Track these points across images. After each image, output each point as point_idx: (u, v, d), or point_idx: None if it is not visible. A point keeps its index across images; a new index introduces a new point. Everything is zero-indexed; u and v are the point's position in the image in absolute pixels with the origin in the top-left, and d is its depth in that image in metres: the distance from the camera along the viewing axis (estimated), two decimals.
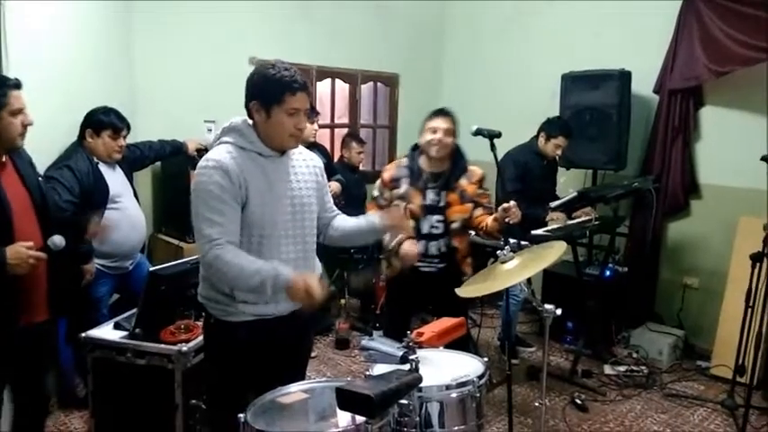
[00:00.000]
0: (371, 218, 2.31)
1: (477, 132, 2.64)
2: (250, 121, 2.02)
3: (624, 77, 4.32)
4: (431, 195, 2.91)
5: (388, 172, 3.02)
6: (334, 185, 4.10)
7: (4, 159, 2.17)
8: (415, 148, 2.98)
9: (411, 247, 2.79)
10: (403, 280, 2.94)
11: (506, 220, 2.65)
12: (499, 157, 2.79)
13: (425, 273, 2.93)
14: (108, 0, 3.74)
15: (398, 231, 2.42)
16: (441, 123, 2.86)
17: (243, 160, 1.94)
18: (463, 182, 2.91)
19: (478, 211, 2.92)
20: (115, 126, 3.16)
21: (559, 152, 4.02)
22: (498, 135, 2.65)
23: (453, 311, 2.42)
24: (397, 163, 3.07)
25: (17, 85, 2.13)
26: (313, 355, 3.88)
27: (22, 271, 2.02)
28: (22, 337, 2.18)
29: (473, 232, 3.09)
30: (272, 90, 1.94)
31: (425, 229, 2.91)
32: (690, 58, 4.17)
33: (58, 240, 2.13)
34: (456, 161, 2.93)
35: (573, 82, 4.52)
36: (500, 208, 2.67)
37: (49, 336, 2.42)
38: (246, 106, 2.00)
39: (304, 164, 2.15)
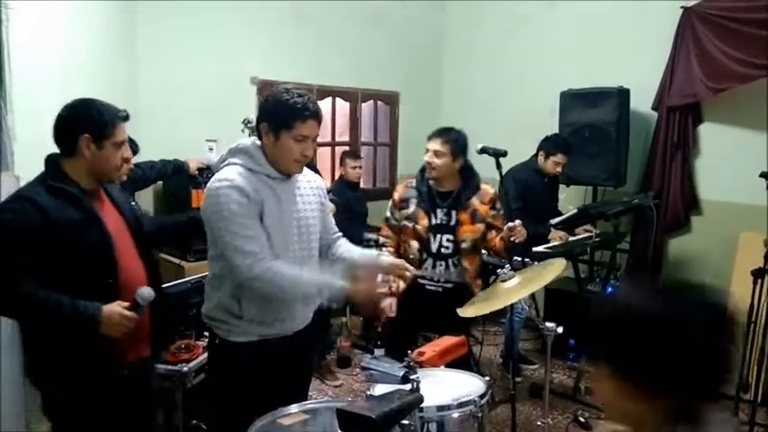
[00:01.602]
0: (371, 255, 2.29)
1: (483, 151, 2.65)
2: (258, 143, 2.04)
3: (623, 95, 4.36)
4: (440, 215, 2.87)
5: (398, 192, 3.01)
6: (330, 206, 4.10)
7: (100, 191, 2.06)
8: (424, 169, 2.95)
9: (388, 305, 2.70)
10: (407, 298, 2.89)
11: (512, 239, 2.65)
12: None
13: (431, 292, 2.90)
14: (111, 16, 3.78)
15: (397, 275, 2.34)
16: (431, 145, 2.84)
17: (255, 182, 1.97)
18: (475, 201, 2.86)
19: (492, 233, 2.88)
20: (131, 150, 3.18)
21: (559, 169, 4.04)
22: (504, 154, 2.65)
23: (456, 330, 2.39)
24: (406, 183, 3.04)
25: (126, 117, 2.05)
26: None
27: (117, 335, 1.88)
28: (126, 377, 2.03)
29: (485, 252, 3.06)
30: (282, 115, 1.96)
31: (434, 248, 2.88)
32: (687, 75, 4.21)
33: (146, 294, 1.92)
34: (466, 180, 2.89)
35: (572, 99, 4.55)
36: (505, 227, 2.67)
37: (151, 374, 2.30)
38: (257, 127, 2.03)
39: (308, 185, 2.17)
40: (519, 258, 2.69)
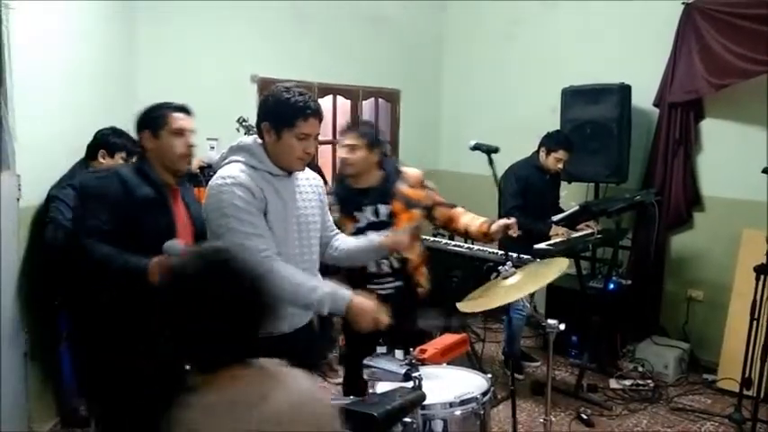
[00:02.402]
0: (372, 237, 2.31)
1: (476, 147, 2.63)
2: (260, 141, 2.04)
3: (624, 91, 4.34)
4: (367, 215, 2.67)
5: None
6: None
7: (173, 185, 2.23)
8: (336, 172, 2.82)
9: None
10: None
11: (510, 232, 2.65)
12: (500, 173, 2.80)
13: (384, 297, 2.46)
14: (111, 16, 3.78)
15: (402, 252, 2.36)
16: (345, 140, 2.70)
17: (258, 179, 1.97)
18: (403, 187, 2.69)
19: (439, 211, 2.79)
20: (129, 149, 3.18)
21: (561, 166, 4.03)
22: (496, 150, 2.63)
23: (412, 339, 2.19)
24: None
25: (181, 108, 2.20)
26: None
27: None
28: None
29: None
30: (284, 114, 1.96)
31: None
32: (689, 71, 4.19)
33: (174, 247, 1.94)
34: (386, 170, 2.73)
35: (573, 96, 4.54)
36: (501, 223, 2.66)
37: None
38: (258, 125, 2.03)
39: (307, 183, 2.17)
40: (516, 255, 2.70)
